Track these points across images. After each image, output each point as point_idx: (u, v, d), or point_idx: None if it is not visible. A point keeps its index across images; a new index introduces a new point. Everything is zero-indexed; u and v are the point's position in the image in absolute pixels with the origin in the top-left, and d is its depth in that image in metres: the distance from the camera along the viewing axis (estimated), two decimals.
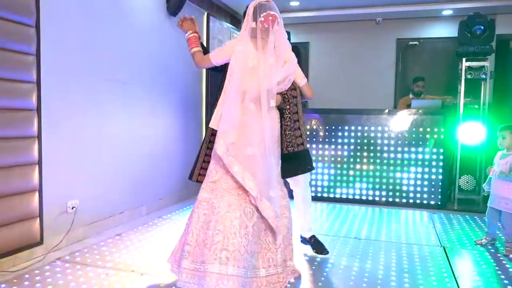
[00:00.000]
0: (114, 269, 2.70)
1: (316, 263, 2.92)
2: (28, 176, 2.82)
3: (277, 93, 2.54)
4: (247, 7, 2.56)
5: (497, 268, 2.88)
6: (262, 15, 2.43)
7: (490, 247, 3.29)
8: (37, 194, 2.91)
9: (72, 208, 3.26)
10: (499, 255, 3.12)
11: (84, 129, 3.38)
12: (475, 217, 4.27)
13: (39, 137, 2.90)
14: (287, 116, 2.65)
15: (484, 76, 4.68)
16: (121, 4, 3.81)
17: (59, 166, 3.14)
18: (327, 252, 3.04)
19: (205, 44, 5.41)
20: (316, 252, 3.06)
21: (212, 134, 2.61)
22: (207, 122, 5.37)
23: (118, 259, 2.90)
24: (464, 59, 4.74)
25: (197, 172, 2.76)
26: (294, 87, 2.68)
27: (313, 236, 3.09)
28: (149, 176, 4.31)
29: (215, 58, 2.62)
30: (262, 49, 2.45)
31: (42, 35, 2.89)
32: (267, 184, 2.40)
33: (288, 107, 2.65)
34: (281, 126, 2.63)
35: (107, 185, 3.67)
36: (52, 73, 3.04)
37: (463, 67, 4.74)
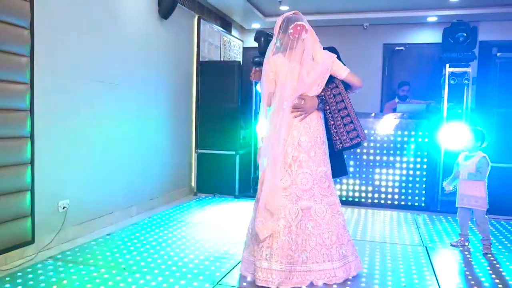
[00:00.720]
0: (106, 268, 2.76)
1: None
2: (20, 175, 2.86)
3: (315, 96, 2.67)
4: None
5: (475, 266, 3.00)
6: (291, 26, 2.57)
7: (465, 247, 3.38)
8: (29, 193, 2.95)
9: (63, 208, 3.30)
10: (477, 254, 3.25)
11: (76, 129, 3.42)
12: (457, 218, 4.39)
13: (31, 137, 2.94)
14: (329, 116, 2.75)
15: (466, 81, 4.82)
16: (113, 7, 3.86)
17: (51, 166, 3.19)
18: None
19: (195, 47, 5.49)
20: None
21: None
22: (197, 123, 5.45)
23: (110, 258, 2.95)
24: (447, 65, 4.87)
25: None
26: (336, 84, 2.77)
27: None
28: (140, 176, 4.36)
29: (266, 84, 2.69)
30: (294, 58, 2.60)
31: (36, 37, 2.94)
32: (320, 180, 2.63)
33: (327, 107, 2.74)
34: (327, 126, 2.75)
35: (98, 185, 3.72)
36: (45, 74, 3.08)
37: (447, 73, 4.88)
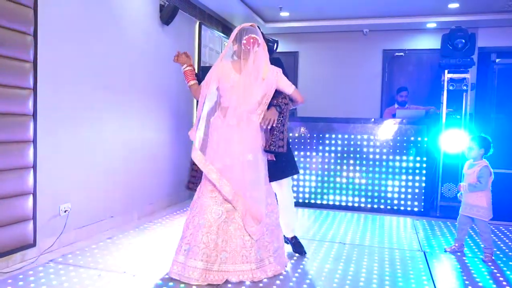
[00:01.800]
0: (107, 271, 2.79)
1: (301, 266, 3.03)
2: (23, 179, 2.90)
3: (272, 104, 2.83)
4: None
5: (473, 271, 3.02)
6: (244, 37, 2.71)
7: (459, 254, 3.39)
8: (31, 197, 2.98)
9: (65, 212, 3.33)
10: (476, 259, 3.27)
11: (78, 134, 3.46)
12: (456, 223, 4.41)
13: (34, 141, 2.98)
14: (278, 119, 2.86)
15: (465, 87, 4.86)
16: (116, 14, 3.91)
17: (53, 170, 3.22)
18: (305, 253, 3.26)
19: (196, 53, 5.54)
20: (295, 252, 3.27)
21: None
22: None
23: (110, 261, 2.98)
24: (446, 71, 4.92)
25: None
26: (284, 95, 2.92)
27: (295, 237, 3.29)
28: (140, 181, 4.39)
29: (204, 87, 2.82)
30: (243, 69, 2.75)
31: (39, 43, 2.99)
32: (250, 186, 2.74)
33: (280, 114, 2.88)
34: (271, 128, 2.87)
35: (99, 189, 3.75)
36: (48, 79, 3.13)
37: (446, 79, 4.92)
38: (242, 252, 2.66)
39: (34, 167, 2.99)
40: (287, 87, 2.90)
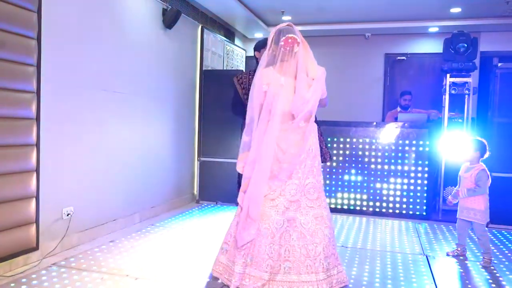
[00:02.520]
0: (109, 274, 2.79)
1: None
2: (26, 182, 2.91)
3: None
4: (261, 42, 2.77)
5: (475, 275, 3.02)
6: (282, 39, 2.58)
7: (462, 258, 3.39)
8: (34, 200, 2.99)
9: (67, 215, 3.34)
10: (478, 263, 3.26)
11: (80, 137, 3.48)
12: (456, 228, 4.41)
13: (37, 145, 2.99)
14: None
15: (467, 91, 4.86)
16: (119, 18, 3.94)
17: (56, 174, 3.23)
18: None
19: (198, 57, 5.56)
20: None
21: None
22: (200, 131, 5.50)
23: (112, 264, 2.99)
24: (448, 75, 4.92)
25: None
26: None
27: None
28: (143, 184, 4.40)
29: (256, 97, 2.67)
30: (286, 71, 2.61)
31: (43, 47, 3.01)
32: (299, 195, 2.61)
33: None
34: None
35: (101, 192, 3.76)
36: (52, 83, 3.14)
37: (448, 83, 4.93)
38: (306, 262, 2.52)
39: (37, 170, 3.00)
40: (324, 89, 2.76)
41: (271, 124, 2.60)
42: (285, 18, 6.30)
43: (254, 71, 3.63)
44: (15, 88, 2.80)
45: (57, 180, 3.25)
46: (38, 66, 2.97)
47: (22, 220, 2.90)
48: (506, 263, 3.31)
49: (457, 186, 3.46)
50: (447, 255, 3.45)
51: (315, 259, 2.51)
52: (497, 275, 3.03)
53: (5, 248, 2.78)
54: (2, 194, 2.73)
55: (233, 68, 6.59)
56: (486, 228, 3.32)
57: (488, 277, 2.99)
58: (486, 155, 3.34)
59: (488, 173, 3.30)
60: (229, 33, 6.68)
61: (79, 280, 2.68)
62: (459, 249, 3.44)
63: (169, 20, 4.64)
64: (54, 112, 3.19)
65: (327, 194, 5.09)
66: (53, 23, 3.14)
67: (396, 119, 5.62)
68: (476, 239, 3.35)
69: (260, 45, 3.70)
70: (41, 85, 3.01)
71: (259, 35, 7.16)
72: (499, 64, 4.76)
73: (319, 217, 2.62)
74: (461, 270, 3.13)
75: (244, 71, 3.58)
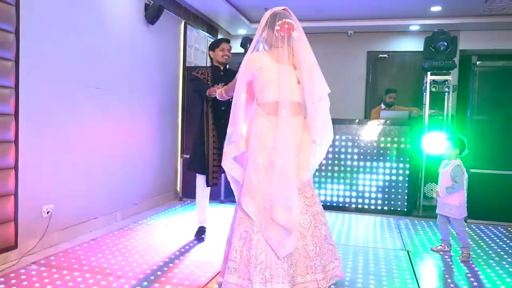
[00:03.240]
0: (91, 273, 2.75)
1: None
2: (4, 180, 2.85)
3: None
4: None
5: (455, 270, 3.08)
6: (278, 23, 2.37)
7: (446, 253, 3.44)
8: (12, 198, 2.93)
9: (47, 213, 3.28)
10: (458, 258, 3.33)
11: (60, 134, 3.41)
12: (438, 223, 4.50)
13: (16, 141, 2.93)
14: None
15: (447, 89, 4.95)
16: (100, 12, 3.87)
17: (35, 171, 3.17)
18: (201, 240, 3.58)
19: (181, 53, 5.51)
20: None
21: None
22: (183, 128, 5.46)
23: (94, 262, 2.95)
24: (429, 73, 5.00)
25: (211, 177, 3.55)
26: None
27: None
28: (125, 181, 4.35)
29: (241, 84, 2.48)
30: (281, 59, 2.38)
31: (21, 41, 2.94)
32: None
33: None
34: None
35: (82, 190, 3.70)
36: (31, 78, 3.07)
37: (428, 80, 5.00)
38: (306, 262, 2.38)
39: (16, 167, 2.94)
40: None
41: (262, 117, 2.39)
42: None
43: (211, 67, 3.72)
44: None
45: (37, 178, 3.19)
46: (17, 60, 2.91)
47: (0, 218, 2.83)
48: (485, 257, 3.38)
49: (438, 183, 3.52)
50: (431, 250, 3.50)
51: (315, 259, 2.40)
52: (476, 269, 3.10)
53: None
54: None
55: None
56: (465, 223, 3.38)
57: (467, 271, 3.06)
58: (465, 152, 3.41)
59: (463, 168, 3.37)
60: (213, 30, 6.64)
61: (60, 279, 2.63)
62: (442, 244, 3.50)
63: (151, 15, 4.59)
64: (34, 108, 3.12)
65: None
66: (32, 17, 3.06)
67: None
68: (455, 234, 3.42)
69: (214, 45, 3.65)
70: (20, 80, 2.94)
71: (242, 32, 7.13)
72: (478, 63, 4.85)
73: (315, 215, 2.53)
74: (441, 265, 3.19)
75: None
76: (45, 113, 3.25)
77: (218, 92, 3.13)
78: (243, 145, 2.46)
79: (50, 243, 3.32)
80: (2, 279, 2.59)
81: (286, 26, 2.36)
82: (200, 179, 3.64)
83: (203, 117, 3.58)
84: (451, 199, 3.34)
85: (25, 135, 3.02)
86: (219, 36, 7.04)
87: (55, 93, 3.35)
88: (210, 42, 3.92)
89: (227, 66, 3.72)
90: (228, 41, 3.69)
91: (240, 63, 2.60)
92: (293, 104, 2.40)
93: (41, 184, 3.23)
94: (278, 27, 2.36)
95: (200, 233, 3.65)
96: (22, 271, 2.74)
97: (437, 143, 4.96)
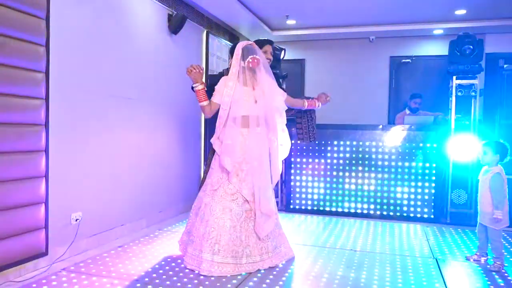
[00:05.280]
0: (119, 279, 2.79)
1: (313, 273, 3.02)
2: (35, 188, 2.92)
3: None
4: (234, 47, 3.27)
5: (487, 279, 2.99)
6: (249, 57, 3.12)
7: (482, 262, 3.31)
8: (43, 206, 3.00)
9: (76, 220, 3.35)
10: (488, 266, 3.23)
11: (88, 143, 3.49)
12: (467, 230, 4.40)
13: (46, 151, 3.00)
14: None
15: (473, 93, 4.84)
16: (125, 24, 3.96)
17: (65, 179, 3.25)
18: None
19: (203, 61, 5.58)
20: None
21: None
22: (206, 137, 5.50)
23: (122, 269, 2.99)
24: (454, 77, 4.90)
25: None
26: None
27: None
28: (150, 189, 4.41)
29: (219, 101, 3.19)
30: (249, 83, 3.17)
31: (51, 53, 3.02)
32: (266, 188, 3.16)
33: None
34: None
35: (109, 198, 3.77)
36: (60, 89, 3.16)
37: (454, 85, 4.90)
38: (261, 244, 3.09)
39: (46, 176, 3.01)
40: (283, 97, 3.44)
41: (233, 128, 3.13)
42: (289, 22, 6.32)
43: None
44: (24, 94, 2.82)
45: (66, 186, 3.26)
46: (47, 72, 2.99)
47: (31, 226, 2.91)
48: None
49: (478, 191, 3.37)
50: (467, 259, 3.38)
51: (267, 241, 3.12)
52: (509, 278, 3.00)
53: (15, 254, 2.78)
54: (12, 200, 2.74)
55: None
56: (503, 234, 3.21)
57: (500, 280, 2.96)
58: (507, 159, 3.24)
59: (505, 176, 3.20)
60: (234, 38, 6.70)
61: (89, 285, 2.68)
62: (478, 253, 3.36)
63: (174, 25, 4.67)
64: (63, 118, 3.21)
65: (334, 197, 5.08)
66: (61, 30, 3.16)
67: None
68: (490, 243, 3.28)
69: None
70: (50, 91, 3.02)
71: None
72: (505, 66, 4.75)
73: (248, 211, 3.16)
74: (472, 274, 3.10)
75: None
76: (74, 123, 3.34)
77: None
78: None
79: (79, 250, 3.38)
80: (34, 285, 2.66)
81: (256, 61, 3.13)
82: None
83: None
84: (491, 208, 3.16)
85: (55, 144, 3.10)
86: None
87: (83, 103, 3.43)
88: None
89: None
90: (271, 42, 3.90)
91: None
92: (258, 118, 3.16)
93: (70, 192, 3.31)
94: (250, 60, 3.12)
95: None
96: (53, 277, 2.81)
97: (464, 148, 4.85)
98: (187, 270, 3.00)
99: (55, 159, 3.11)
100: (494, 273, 3.10)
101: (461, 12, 5.65)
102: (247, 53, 3.14)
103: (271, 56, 3.81)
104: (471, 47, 4.84)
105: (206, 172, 3.37)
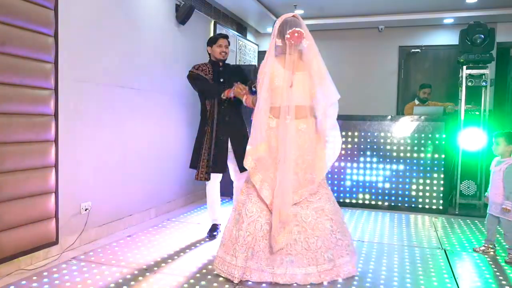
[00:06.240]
0: (128, 268, 2.82)
1: None
2: (45, 178, 2.95)
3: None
4: (273, 26, 2.70)
5: (495, 270, 2.97)
6: (288, 31, 2.54)
7: (491, 253, 3.28)
8: (53, 195, 3.03)
9: (86, 210, 3.38)
10: (497, 257, 3.21)
11: (97, 133, 3.51)
12: (476, 221, 4.37)
13: (56, 141, 3.03)
14: None
15: (484, 83, 4.78)
16: (133, 14, 3.95)
17: (74, 169, 3.27)
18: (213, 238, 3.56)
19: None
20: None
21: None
22: None
23: (131, 258, 3.02)
24: (464, 67, 4.85)
25: (200, 172, 3.67)
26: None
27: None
28: (158, 179, 4.43)
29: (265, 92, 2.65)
30: (290, 66, 2.58)
31: (60, 44, 3.03)
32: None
33: None
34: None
35: (118, 187, 3.80)
36: (69, 80, 3.17)
37: (464, 75, 4.85)
38: (308, 254, 2.58)
39: (56, 166, 3.04)
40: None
41: (272, 120, 2.64)
42: (297, 11, 6.26)
43: (210, 62, 3.69)
44: (33, 85, 2.83)
45: (75, 176, 3.29)
46: (56, 63, 3.00)
47: (42, 215, 2.94)
48: None
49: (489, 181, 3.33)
50: (474, 251, 3.36)
51: (316, 252, 2.57)
52: None
53: (26, 242, 2.83)
54: (23, 190, 2.77)
55: (245, 63, 6.58)
56: None
57: (510, 271, 2.95)
58: None
59: None
60: (241, 28, 6.67)
61: (99, 273, 2.71)
62: (486, 245, 3.33)
63: (182, 15, 4.65)
64: (72, 108, 3.22)
65: (342, 188, 5.07)
66: (69, 21, 3.16)
67: None
68: (504, 234, 3.25)
69: (211, 41, 3.66)
70: (59, 82, 3.04)
71: (271, 30, 7.12)
72: None
73: (319, 211, 2.67)
74: (481, 265, 3.08)
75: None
76: (83, 113, 3.35)
77: (249, 100, 3.16)
78: (261, 149, 2.66)
79: (89, 239, 3.42)
80: (45, 273, 2.69)
81: (296, 34, 2.52)
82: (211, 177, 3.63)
83: (206, 114, 3.63)
84: (503, 199, 3.13)
85: (64, 134, 3.13)
86: (248, 35, 7.07)
87: (92, 94, 3.44)
88: (209, 38, 3.84)
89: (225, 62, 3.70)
90: (226, 37, 3.63)
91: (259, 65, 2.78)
92: (298, 108, 2.60)
93: (79, 182, 3.34)
94: (288, 35, 2.53)
95: (212, 231, 3.64)
96: (64, 265, 2.85)
97: (474, 139, 4.81)
98: (195, 260, 3.02)
99: (65, 149, 3.14)
100: (508, 264, 3.06)
101: (472, 0, 5.56)
102: (285, 27, 2.57)
103: (227, 49, 3.62)
104: (482, 36, 4.78)
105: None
